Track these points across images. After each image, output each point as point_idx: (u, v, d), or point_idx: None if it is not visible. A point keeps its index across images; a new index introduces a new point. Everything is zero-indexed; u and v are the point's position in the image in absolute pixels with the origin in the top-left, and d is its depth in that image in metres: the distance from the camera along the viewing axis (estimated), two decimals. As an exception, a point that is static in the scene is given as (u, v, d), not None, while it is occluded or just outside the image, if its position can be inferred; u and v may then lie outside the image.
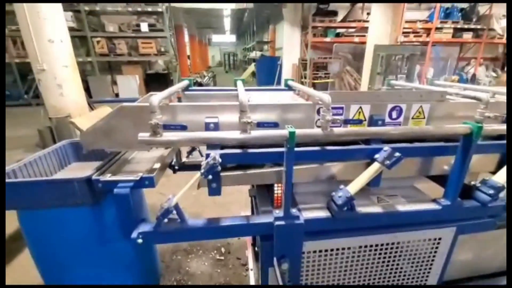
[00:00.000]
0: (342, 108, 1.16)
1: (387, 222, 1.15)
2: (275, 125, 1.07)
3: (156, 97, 0.99)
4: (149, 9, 7.12)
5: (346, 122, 1.05)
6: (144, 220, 1.14)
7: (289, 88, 1.58)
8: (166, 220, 1.06)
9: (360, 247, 1.19)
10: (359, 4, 8.08)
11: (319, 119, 1.14)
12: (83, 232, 1.28)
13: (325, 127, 1.03)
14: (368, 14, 5.52)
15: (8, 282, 1.77)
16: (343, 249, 1.18)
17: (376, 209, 1.17)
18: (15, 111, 7.44)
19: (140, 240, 1.07)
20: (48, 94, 3.64)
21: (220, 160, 1.03)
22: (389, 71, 4.05)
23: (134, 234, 1.06)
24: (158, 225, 1.08)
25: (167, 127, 1.00)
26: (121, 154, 1.39)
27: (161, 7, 7.12)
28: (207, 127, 1.11)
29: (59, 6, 3.52)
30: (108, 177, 1.13)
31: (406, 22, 7.36)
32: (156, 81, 8.04)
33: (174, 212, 1.08)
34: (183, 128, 1.02)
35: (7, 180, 1.22)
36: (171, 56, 7.69)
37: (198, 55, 14.58)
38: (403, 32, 6.47)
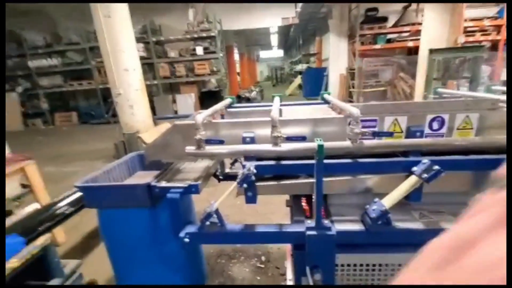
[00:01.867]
0: (375, 120, 1.16)
1: (428, 240, 1.08)
2: (303, 138, 1.13)
3: (200, 116, 1.17)
4: (204, 34, 7.94)
5: (375, 134, 1.05)
6: (191, 223, 1.31)
7: (325, 101, 1.62)
8: (208, 223, 1.21)
9: (400, 265, 1.14)
10: (413, 6, 7.52)
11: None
12: (143, 230, 1.51)
13: (355, 140, 1.05)
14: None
15: (85, 271, 2.10)
16: (380, 265, 1.14)
17: (416, 225, 1.11)
18: (98, 128, 8.92)
19: (186, 239, 1.23)
20: (122, 114, 4.33)
21: (255, 170, 1.13)
22: (448, 75, 3.65)
23: (181, 234, 1.22)
24: (202, 227, 1.23)
25: (209, 142, 1.15)
26: (174, 164, 1.61)
27: (214, 32, 7.87)
28: (244, 141, 1.23)
29: (132, 39, 4.22)
30: (163, 184, 1.33)
31: (471, 20, 6.54)
32: (209, 98, 8.75)
33: (215, 216, 1.21)
34: (221, 142, 1.16)
35: (92, 184, 1.54)
36: (222, 74, 8.35)
37: (247, 71, 15.36)
38: (467, 32, 5.73)
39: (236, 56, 11.87)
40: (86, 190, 1.52)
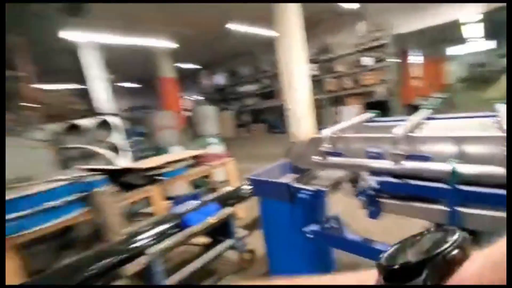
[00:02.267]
0: (562, 142, 0.82)
1: None
2: (426, 158, 1.02)
3: (327, 130, 1.35)
4: (374, 44, 7.59)
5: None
6: (317, 221, 1.51)
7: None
8: (328, 225, 1.36)
9: None
10: None
11: (512, 155, 0.89)
12: (284, 219, 1.88)
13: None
14: None
15: (249, 242, 2.71)
16: None
17: None
18: (278, 136, 10.87)
19: (309, 235, 1.45)
20: (291, 125, 5.16)
21: (375, 186, 1.16)
22: None
23: (305, 229, 1.45)
24: (323, 228, 1.40)
25: (330, 154, 1.31)
26: (313, 170, 1.86)
27: (385, 39, 7.31)
28: (367, 155, 1.27)
29: (303, 64, 4.93)
30: (297, 185, 1.63)
31: None
32: (375, 108, 8.18)
33: (336, 221, 1.34)
34: (339, 154, 1.28)
35: (255, 178, 2.12)
36: (392, 83, 7.54)
37: (430, 74, 12.60)
38: None
39: (413, 59, 10.15)
40: (252, 182, 2.11)
